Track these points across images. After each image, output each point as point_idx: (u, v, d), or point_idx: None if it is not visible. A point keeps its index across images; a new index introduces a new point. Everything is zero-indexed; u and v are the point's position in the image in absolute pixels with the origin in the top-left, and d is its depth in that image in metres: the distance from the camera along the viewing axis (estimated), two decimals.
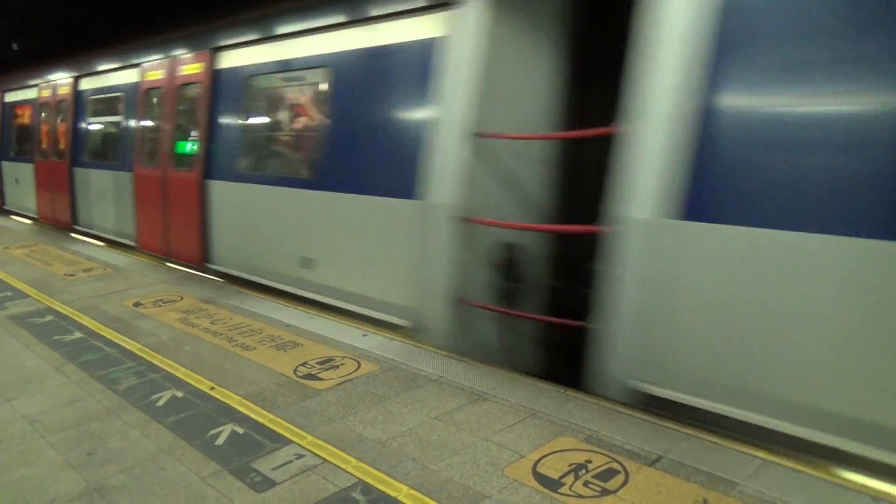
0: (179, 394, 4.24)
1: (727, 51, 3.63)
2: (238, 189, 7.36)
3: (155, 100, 8.95)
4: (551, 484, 3.15)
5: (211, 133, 7.69)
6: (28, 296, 6.76)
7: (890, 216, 3.10)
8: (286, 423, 3.80)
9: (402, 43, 5.53)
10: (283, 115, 7.31)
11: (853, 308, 3.25)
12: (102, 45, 10.98)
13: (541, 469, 3.29)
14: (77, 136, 11.05)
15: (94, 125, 10.94)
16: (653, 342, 3.95)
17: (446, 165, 5.02)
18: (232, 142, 7.51)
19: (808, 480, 3.17)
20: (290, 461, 3.37)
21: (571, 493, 3.08)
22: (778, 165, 3.46)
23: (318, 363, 4.76)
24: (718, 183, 3.65)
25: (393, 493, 3.08)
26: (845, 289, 3.26)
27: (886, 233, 3.09)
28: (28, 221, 13.15)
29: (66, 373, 4.62)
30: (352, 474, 3.24)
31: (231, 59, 7.52)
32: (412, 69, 5.43)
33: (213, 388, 4.31)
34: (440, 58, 5.13)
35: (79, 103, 11.02)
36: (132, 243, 9.52)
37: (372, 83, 5.80)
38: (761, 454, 3.40)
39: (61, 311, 6.19)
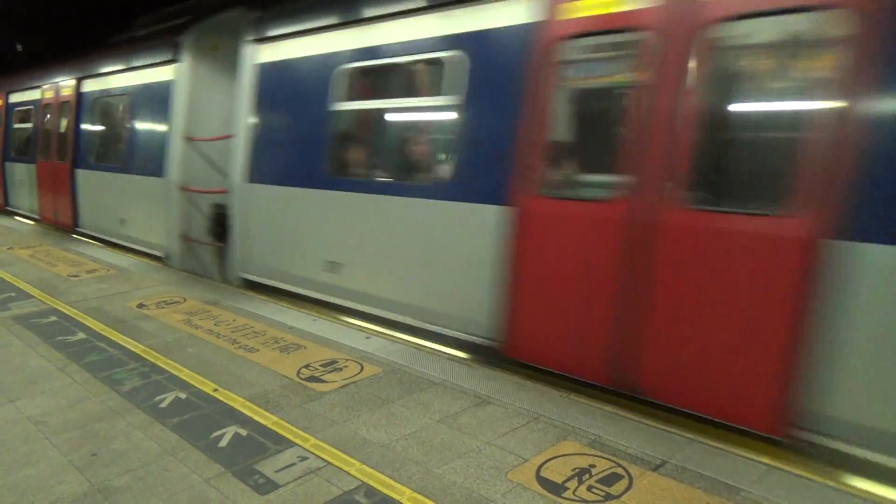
0: (183, 395, 4.24)
1: (261, 97, 7.05)
2: None
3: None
4: (555, 488, 3.15)
5: None
6: (32, 296, 6.77)
7: (304, 177, 6.56)
8: (289, 426, 3.80)
9: (156, 82, 8.93)
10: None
11: (310, 220, 6.56)
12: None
13: (544, 473, 3.28)
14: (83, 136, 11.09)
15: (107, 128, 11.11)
16: (246, 250, 7.34)
17: (174, 156, 8.37)
18: None
19: (813, 486, 3.16)
20: (294, 463, 3.37)
21: (575, 498, 3.07)
22: (275, 157, 6.98)
23: (321, 365, 4.76)
24: (258, 164, 7.11)
25: (396, 497, 3.07)
26: (312, 208, 6.51)
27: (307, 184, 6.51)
28: (31, 222, 13.18)
29: (70, 373, 4.62)
30: (355, 477, 3.24)
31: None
32: (161, 99, 8.66)
33: (216, 390, 4.31)
34: (173, 92, 8.41)
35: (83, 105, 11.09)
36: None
37: (142, 106, 9.39)
38: (766, 460, 3.39)
39: (65, 311, 6.20)
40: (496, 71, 4.90)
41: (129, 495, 3.10)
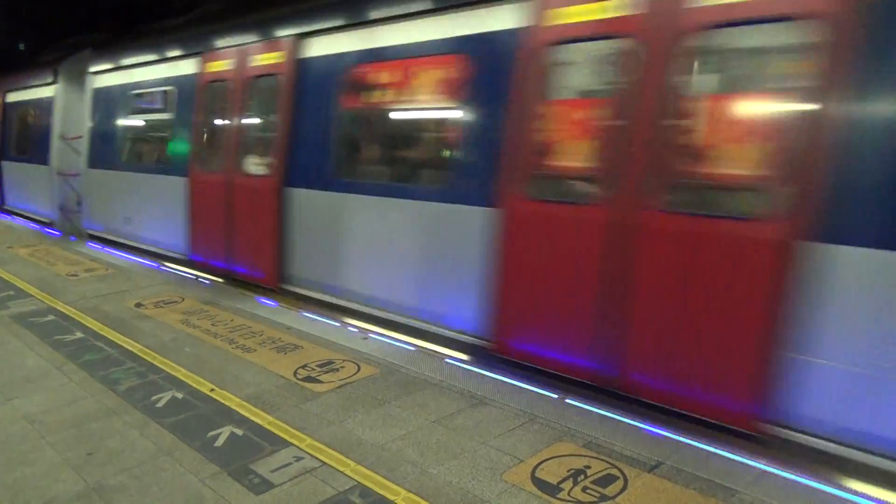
0: (179, 395, 4.24)
1: (94, 110, 10.49)
2: None
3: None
4: (550, 489, 3.15)
5: None
6: (30, 295, 6.78)
7: (118, 163, 10.05)
8: (285, 426, 3.80)
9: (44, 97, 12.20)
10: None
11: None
12: None
13: (539, 474, 3.28)
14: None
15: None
16: (91, 213, 10.98)
17: (53, 150, 11.76)
18: None
19: (808, 489, 3.16)
20: (289, 463, 3.37)
21: (570, 499, 3.07)
22: (102, 149, 10.49)
23: (318, 366, 4.76)
24: (93, 155, 10.66)
25: (391, 497, 3.07)
26: (119, 186, 10.08)
27: (120, 168, 10.00)
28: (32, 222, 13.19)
29: (67, 373, 4.62)
30: (350, 477, 3.24)
31: None
32: (47, 110, 11.99)
33: (213, 390, 4.31)
34: (55, 104, 11.74)
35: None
36: None
37: (34, 116, 13.11)
38: (761, 461, 3.40)
39: (63, 311, 6.20)
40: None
41: (125, 494, 3.10)
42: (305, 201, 6.61)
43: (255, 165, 7.38)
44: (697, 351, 3.90)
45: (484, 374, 4.61)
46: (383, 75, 6.15)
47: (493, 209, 4.83)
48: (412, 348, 5.19)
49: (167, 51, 8.91)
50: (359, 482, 3.20)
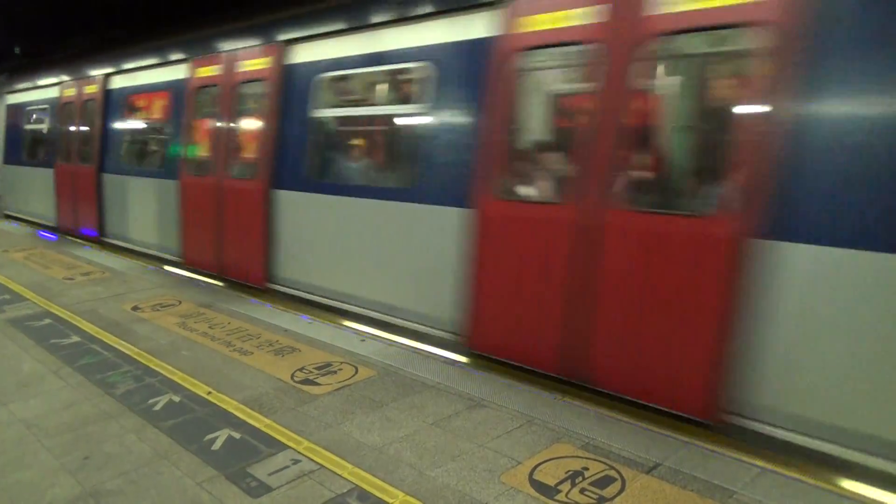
0: (176, 398, 4.23)
1: (7, 123, 14.17)
2: None
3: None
4: (547, 491, 3.15)
5: None
6: (26, 299, 6.76)
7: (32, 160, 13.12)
8: (283, 429, 3.79)
9: None
10: None
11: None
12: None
13: (537, 476, 3.28)
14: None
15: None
16: (11, 201, 14.25)
17: None
18: None
19: (806, 489, 3.16)
20: (287, 466, 3.36)
21: (568, 501, 3.07)
22: (13, 150, 14.10)
23: (315, 368, 4.75)
24: (7, 153, 14.39)
25: (389, 500, 3.07)
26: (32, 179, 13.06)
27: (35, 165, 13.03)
28: (27, 226, 13.16)
29: (64, 376, 4.61)
30: (348, 480, 3.23)
31: None
32: None
33: (210, 393, 4.30)
34: None
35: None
36: None
37: None
38: (759, 462, 3.40)
39: (59, 314, 6.18)
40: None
41: (122, 499, 3.09)
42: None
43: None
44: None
45: (481, 376, 4.61)
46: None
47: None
48: (410, 350, 5.18)
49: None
50: (356, 485, 3.19)
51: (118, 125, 10.14)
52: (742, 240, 3.63)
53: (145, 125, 10.38)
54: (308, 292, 6.63)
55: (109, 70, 10.38)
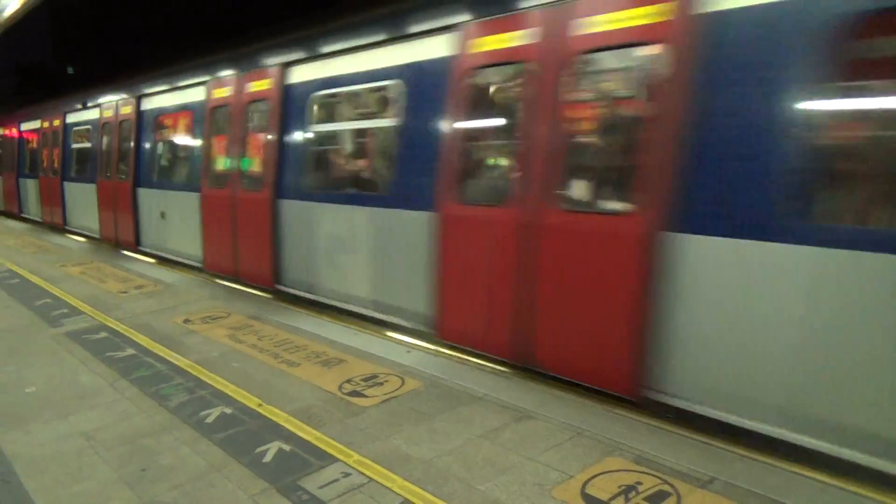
0: (228, 410, 4.30)
1: None
2: None
3: None
4: None
5: None
6: (83, 313, 6.97)
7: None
8: (332, 441, 3.82)
9: None
10: None
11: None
12: None
13: (589, 490, 3.23)
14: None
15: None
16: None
17: None
18: None
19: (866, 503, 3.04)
20: (337, 479, 3.38)
21: None
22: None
23: (362, 380, 4.78)
24: None
25: None
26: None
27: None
28: (83, 240, 13.61)
29: (120, 389, 4.73)
30: (398, 494, 3.23)
31: None
32: None
33: (260, 405, 4.36)
34: None
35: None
36: None
37: None
38: (820, 476, 3.28)
39: (114, 327, 6.36)
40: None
41: None
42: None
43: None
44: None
45: (529, 386, 4.57)
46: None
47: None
48: (455, 361, 5.17)
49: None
50: (406, 499, 3.19)
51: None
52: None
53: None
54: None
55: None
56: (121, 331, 6.24)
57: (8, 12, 13.85)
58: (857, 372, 3.41)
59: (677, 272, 4.06)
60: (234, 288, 8.25)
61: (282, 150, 7.67)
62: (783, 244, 3.61)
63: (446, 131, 5.53)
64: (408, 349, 5.48)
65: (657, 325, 4.17)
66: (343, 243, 6.82)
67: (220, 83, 8.89)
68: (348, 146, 7.70)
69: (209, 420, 4.16)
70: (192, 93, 9.65)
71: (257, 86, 8.11)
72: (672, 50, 4.12)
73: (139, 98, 11.37)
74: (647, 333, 4.21)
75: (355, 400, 4.43)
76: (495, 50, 5.19)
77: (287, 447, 3.76)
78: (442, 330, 5.62)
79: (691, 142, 4.00)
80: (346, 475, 3.42)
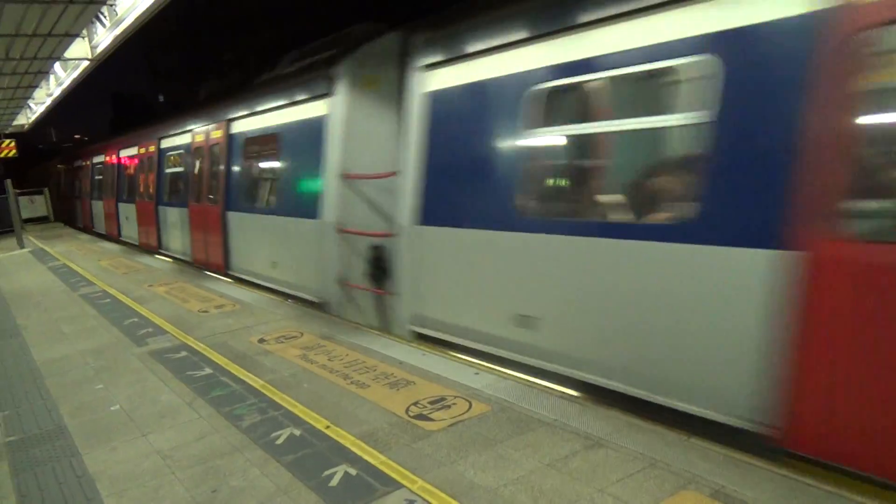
0: (297, 432, 4.36)
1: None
2: None
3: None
4: None
5: None
6: (166, 332, 7.28)
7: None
8: (397, 466, 3.80)
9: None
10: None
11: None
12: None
13: None
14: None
15: None
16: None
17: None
18: None
19: None
20: None
21: None
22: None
23: (429, 403, 4.75)
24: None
25: None
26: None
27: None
28: (170, 261, 14.26)
29: (197, 408, 4.89)
30: None
31: None
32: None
33: (328, 427, 4.40)
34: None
35: None
36: None
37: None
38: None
39: (194, 346, 6.60)
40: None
41: None
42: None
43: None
44: None
45: (600, 413, 4.41)
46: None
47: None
48: (524, 384, 5.07)
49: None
50: None
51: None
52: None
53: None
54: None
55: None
56: (200, 350, 6.46)
57: (101, 48, 14.72)
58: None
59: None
60: (307, 308, 8.41)
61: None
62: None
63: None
64: (476, 371, 5.41)
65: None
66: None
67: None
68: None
69: (279, 441, 4.22)
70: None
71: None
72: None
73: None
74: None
75: (422, 423, 4.40)
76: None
77: (353, 471, 3.77)
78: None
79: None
80: (411, 502, 3.39)
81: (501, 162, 5.61)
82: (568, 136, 5.87)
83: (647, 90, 5.48)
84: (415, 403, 4.75)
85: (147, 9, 11.95)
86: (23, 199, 25.36)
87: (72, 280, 11.67)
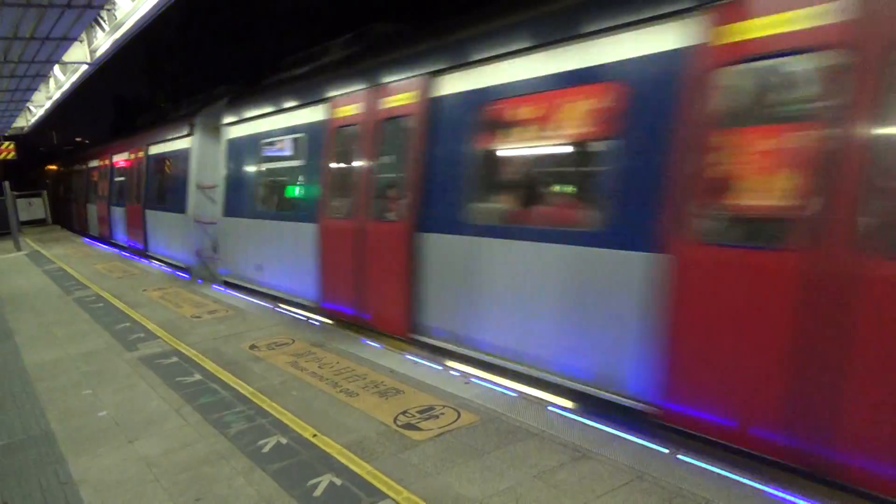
0: (284, 440, 4.33)
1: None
2: None
3: None
4: None
5: None
6: (158, 337, 7.25)
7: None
8: (383, 476, 3.77)
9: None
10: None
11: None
12: None
13: None
14: None
15: None
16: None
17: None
18: None
19: None
20: None
21: None
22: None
23: (418, 412, 4.73)
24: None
25: None
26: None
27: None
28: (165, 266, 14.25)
29: (184, 415, 4.86)
30: None
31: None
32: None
33: (315, 436, 4.38)
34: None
35: None
36: None
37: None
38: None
39: (185, 352, 6.57)
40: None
41: None
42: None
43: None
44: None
45: (587, 425, 4.39)
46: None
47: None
48: (514, 394, 5.05)
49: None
50: None
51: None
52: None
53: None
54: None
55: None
56: (191, 356, 6.44)
57: (101, 52, 14.72)
58: None
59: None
60: (299, 315, 8.39)
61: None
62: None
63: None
64: (466, 381, 5.39)
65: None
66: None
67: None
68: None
69: (265, 450, 4.20)
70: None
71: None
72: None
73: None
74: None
75: (409, 433, 4.38)
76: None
77: (338, 481, 3.74)
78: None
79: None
80: None
81: (248, 180, 10.17)
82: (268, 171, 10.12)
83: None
84: (403, 412, 4.73)
85: (146, 13, 11.94)
86: (21, 202, 25.33)
87: (66, 283, 11.64)
